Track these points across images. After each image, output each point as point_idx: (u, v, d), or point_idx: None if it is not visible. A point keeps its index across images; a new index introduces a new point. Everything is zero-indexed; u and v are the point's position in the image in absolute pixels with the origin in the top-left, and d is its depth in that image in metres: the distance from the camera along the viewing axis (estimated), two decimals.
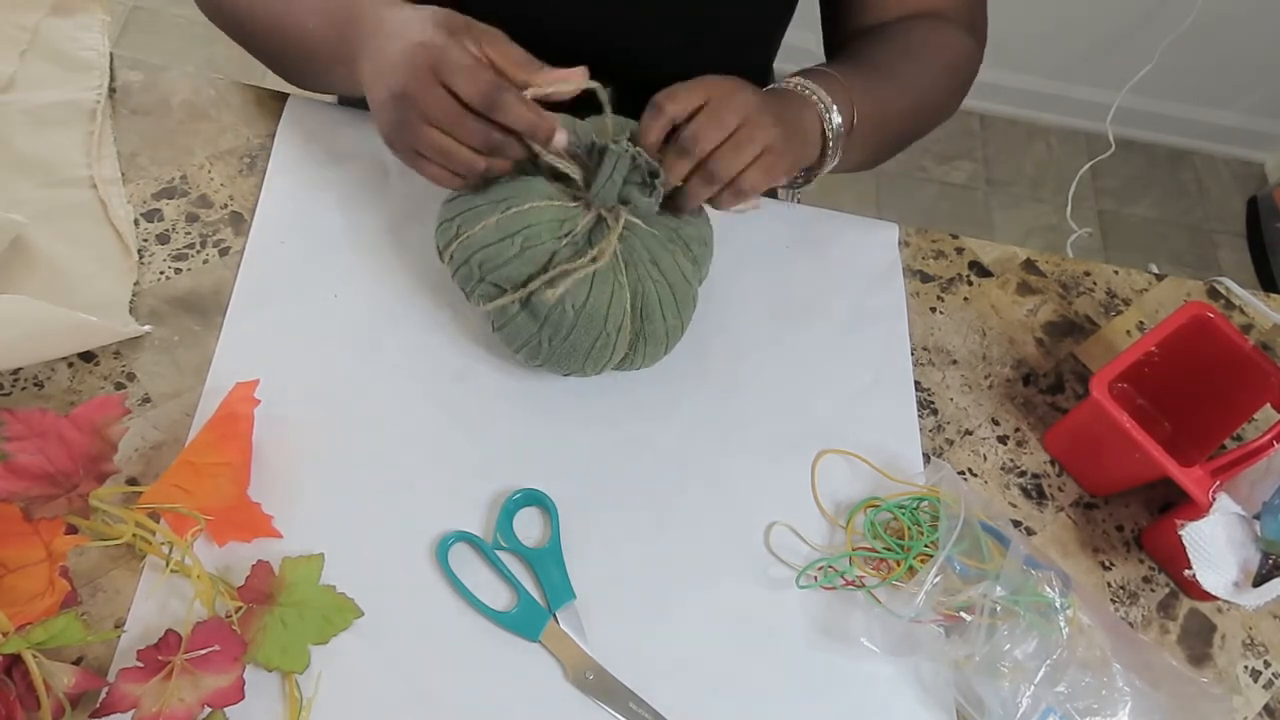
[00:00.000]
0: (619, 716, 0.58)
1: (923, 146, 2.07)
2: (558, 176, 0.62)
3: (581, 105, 0.61)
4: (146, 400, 0.63)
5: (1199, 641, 0.68)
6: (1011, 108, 2.15)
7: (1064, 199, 2.03)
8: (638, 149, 0.60)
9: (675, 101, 0.59)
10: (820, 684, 0.61)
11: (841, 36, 0.79)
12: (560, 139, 0.59)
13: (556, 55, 0.68)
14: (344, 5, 0.63)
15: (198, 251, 0.70)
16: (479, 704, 0.57)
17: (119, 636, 0.55)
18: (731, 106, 0.59)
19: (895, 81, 0.71)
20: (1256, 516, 0.62)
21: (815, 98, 0.65)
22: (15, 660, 0.50)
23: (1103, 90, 2.00)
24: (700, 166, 0.59)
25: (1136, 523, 0.71)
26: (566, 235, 0.60)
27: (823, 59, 0.78)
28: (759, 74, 0.93)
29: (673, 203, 0.63)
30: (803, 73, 0.67)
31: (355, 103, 0.82)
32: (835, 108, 0.65)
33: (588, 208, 0.61)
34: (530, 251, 0.60)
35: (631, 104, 0.65)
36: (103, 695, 0.51)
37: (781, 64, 0.97)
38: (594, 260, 0.60)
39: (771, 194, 0.83)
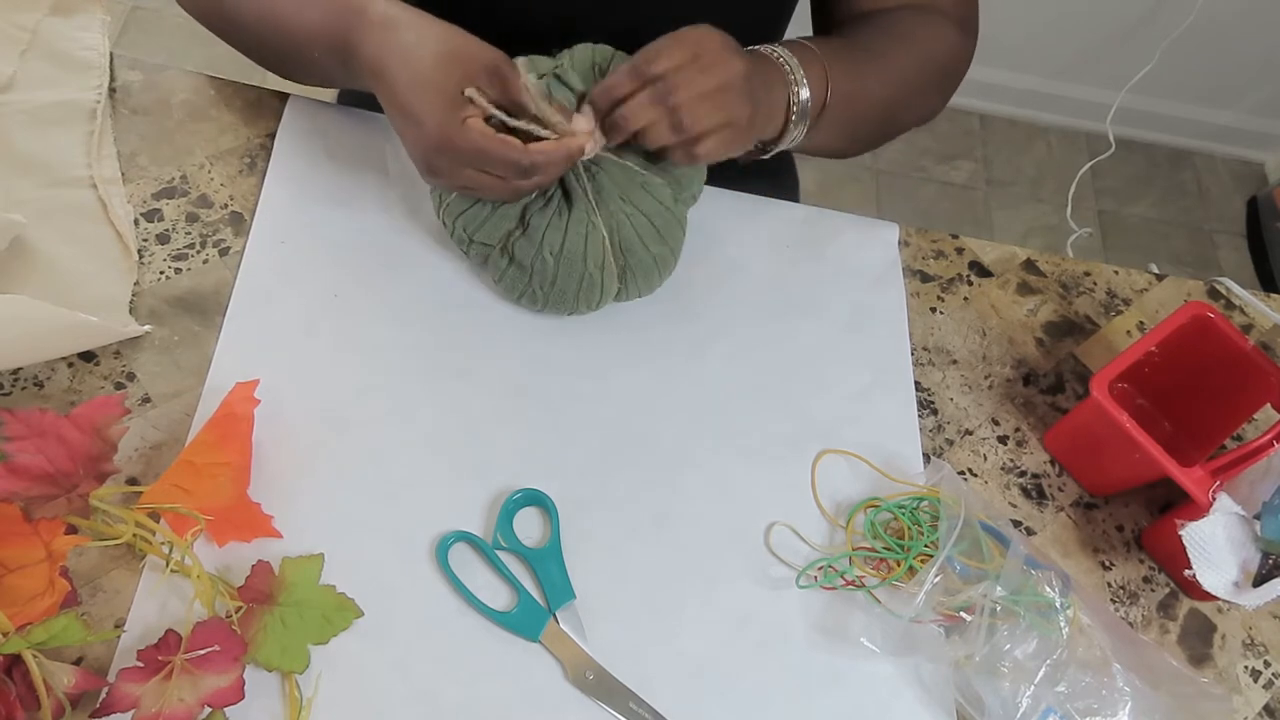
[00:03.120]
0: (619, 716, 0.58)
1: (923, 146, 2.07)
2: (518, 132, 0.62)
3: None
4: (146, 400, 0.63)
5: (1199, 641, 0.68)
6: (1011, 108, 2.15)
7: (1064, 199, 2.03)
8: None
9: (658, 63, 0.59)
10: (820, 684, 0.61)
11: (830, 27, 0.79)
12: (591, 149, 0.62)
13: (547, 50, 0.68)
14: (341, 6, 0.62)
15: (198, 251, 0.70)
16: (479, 704, 0.57)
17: (119, 636, 0.55)
18: (718, 70, 0.59)
19: (877, 67, 0.70)
20: (1256, 516, 0.62)
21: (788, 68, 0.64)
22: (15, 660, 0.50)
23: (1103, 90, 2.00)
24: (670, 113, 0.60)
25: (1136, 523, 0.71)
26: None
27: None
28: None
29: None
30: (784, 43, 0.67)
31: (355, 102, 0.82)
32: (806, 83, 0.64)
33: None
34: (501, 209, 0.64)
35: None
36: (103, 695, 0.51)
37: None
38: (544, 199, 0.64)
39: (763, 189, 0.82)
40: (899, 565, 0.64)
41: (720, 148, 0.61)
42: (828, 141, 0.71)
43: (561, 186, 0.64)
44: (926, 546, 0.65)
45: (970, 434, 0.73)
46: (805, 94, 0.64)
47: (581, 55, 0.66)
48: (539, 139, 0.60)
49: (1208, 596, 0.65)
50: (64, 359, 0.64)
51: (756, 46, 0.66)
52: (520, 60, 0.65)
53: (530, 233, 0.64)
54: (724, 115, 0.60)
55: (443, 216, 0.67)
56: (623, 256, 0.65)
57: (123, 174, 0.72)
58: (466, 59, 0.59)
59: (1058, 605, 0.61)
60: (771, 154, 0.69)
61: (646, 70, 0.59)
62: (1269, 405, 0.69)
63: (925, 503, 0.67)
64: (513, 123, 0.59)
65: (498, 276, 0.68)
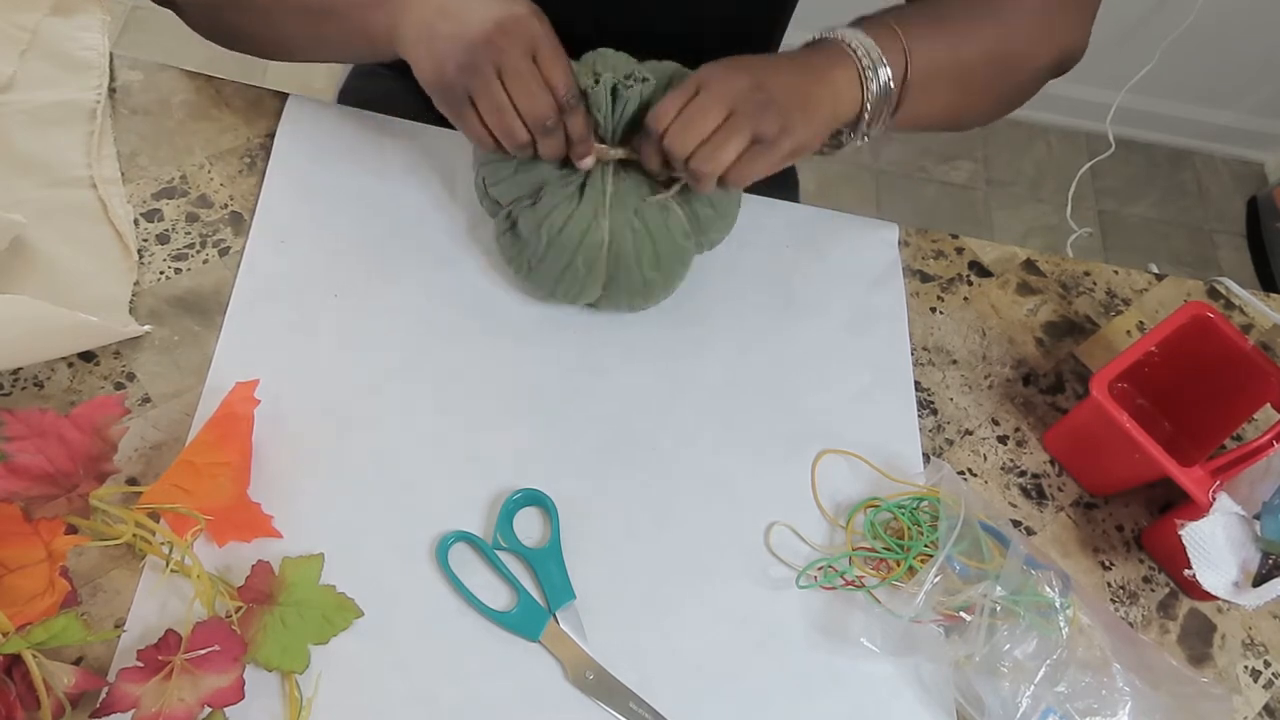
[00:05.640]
0: (619, 716, 0.58)
1: (923, 146, 2.07)
2: None
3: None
4: (146, 400, 0.63)
5: (1199, 641, 0.68)
6: None
7: (1064, 199, 2.03)
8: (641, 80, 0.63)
9: (660, 119, 0.58)
10: (820, 684, 0.61)
11: None
12: (588, 163, 0.62)
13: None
14: None
15: (198, 251, 0.70)
16: (479, 704, 0.57)
17: (119, 636, 0.55)
18: (715, 99, 0.57)
19: (966, 21, 0.65)
20: (1256, 516, 0.62)
21: (854, 48, 0.61)
22: (15, 660, 0.49)
23: (1103, 90, 2.00)
24: (686, 165, 0.59)
25: (1136, 523, 0.71)
26: (565, 168, 0.63)
27: None
28: None
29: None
30: (858, 21, 0.63)
31: (355, 102, 0.82)
32: (885, 61, 0.60)
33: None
34: (523, 174, 0.64)
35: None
36: (103, 695, 0.51)
37: None
38: (565, 182, 0.63)
39: (763, 190, 0.80)
40: (899, 565, 0.64)
41: (753, 168, 0.59)
42: (935, 113, 0.66)
43: (584, 176, 0.64)
44: (926, 546, 0.65)
45: (970, 434, 0.73)
46: (886, 73, 0.60)
47: (661, 77, 0.64)
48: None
49: (1208, 596, 0.65)
50: (64, 359, 0.64)
51: (824, 33, 0.63)
52: (591, 55, 0.65)
53: (538, 206, 0.64)
54: (737, 141, 0.57)
55: (472, 163, 0.68)
56: (614, 265, 0.65)
57: (123, 174, 0.72)
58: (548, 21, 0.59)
59: (1058, 605, 0.61)
60: (864, 138, 0.65)
61: (653, 129, 0.58)
62: (1269, 405, 0.69)
63: (925, 503, 0.67)
64: None
65: (497, 234, 0.68)
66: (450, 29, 0.58)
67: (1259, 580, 0.61)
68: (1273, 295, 0.84)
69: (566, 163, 0.63)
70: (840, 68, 0.61)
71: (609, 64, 0.64)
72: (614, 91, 0.62)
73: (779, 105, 0.58)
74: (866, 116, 0.62)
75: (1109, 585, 0.69)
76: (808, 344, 0.74)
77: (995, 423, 0.74)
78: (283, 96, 0.77)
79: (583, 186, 0.64)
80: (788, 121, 0.58)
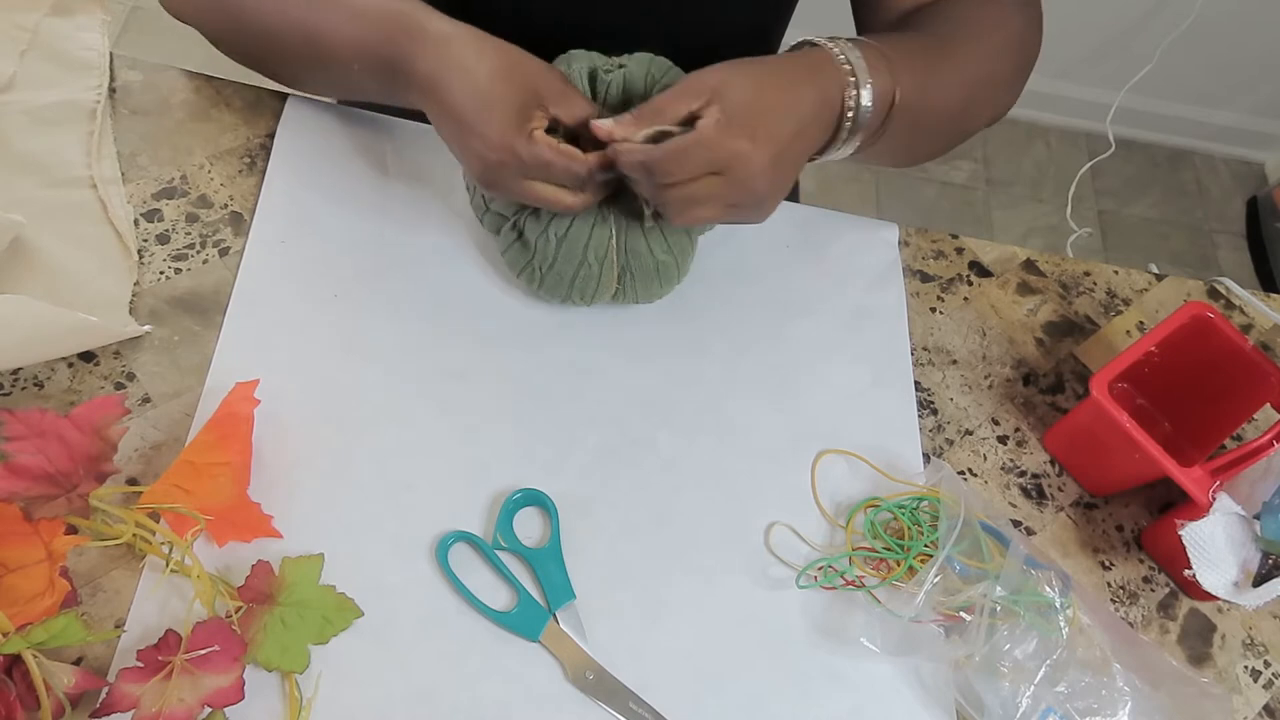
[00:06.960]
0: (619, 716, 0.58)
1: None
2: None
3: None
4: (146, 400, 0.63)
5: (1199, 641, 0.68)
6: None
7: (1064, 199, 2.03)
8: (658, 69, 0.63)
9: (664, 116, 0.57)
10: (820, 684, 0.61)
11: (877, 25, 0.74)
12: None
13: (549, 51, 0.68)
14: (391, 15, 0.60)
15: (198, 251, 0.70)
16: (479, 704, 0.57)
17: (119, 636, 0.55)
18: (731, 174, 0.56)
19: (949, 66, 0.65)
20: (1256, 516, 0.62)
21: (848, 65, 0.58)
22: (15, 660, 0.50)
23: (1103, 90, 2.00)
24: (657, 193, 0.58)
25: (1136, 523, 0.71)
26: None
27: None
28: None
29: None
30: (852, 39, 0.61)
31: (355, 102, 0.82)
32: (869, 85, 0.58)
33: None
34: None
35: None
36: (103, 695, 0.51)
37: None
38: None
39: None
40: (899, 565, 0.64)
41: (712, 217, 0.59)
42: (891, 152, 0.66)
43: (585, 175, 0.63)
44: (926, 546, 0.65)
45: (970, 434, 0.73)
46: (867, 98, 0.58)
47: (638, 66, 0.63)
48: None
49: (1208, 596, 0.65)
50: (64, 359, 0.64)
51: (819, 44, 0.60)
52: (566, 55, 0.65)
53: (541, 212, 0.64)
54: (716, 216, 0.59)
55: (466, 179, 0.68)
56: (625, 256, 0.65)
57: (123, 174, 0.72)
58: (529, 74, 0.59)
59: (1057, 605, 0.61)
60: (819, 161, 0.64)
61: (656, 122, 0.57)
62: (1269, 405, 0.69)
63: (925, 503, 0.67)
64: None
65: (503, 249, 0.68)
66: (470, 148, 0.59)
67: (1259, 580, 0.61)
68: (1273, 295, 0.84)
69: None
70: (828, 86, 0.59)
71: (581, 60, 0.64)
72: (593, 78, 0.62)
73: (775, 199, 0.59)
74: (842, 137, 0.61)
75: (1109, 585, 0.69)
76: (807, 344, 0.74)
77: (995, 423, 0.74)
78: (283, 96, 0.77)
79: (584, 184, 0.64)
80: (770, 210, 0.60)
